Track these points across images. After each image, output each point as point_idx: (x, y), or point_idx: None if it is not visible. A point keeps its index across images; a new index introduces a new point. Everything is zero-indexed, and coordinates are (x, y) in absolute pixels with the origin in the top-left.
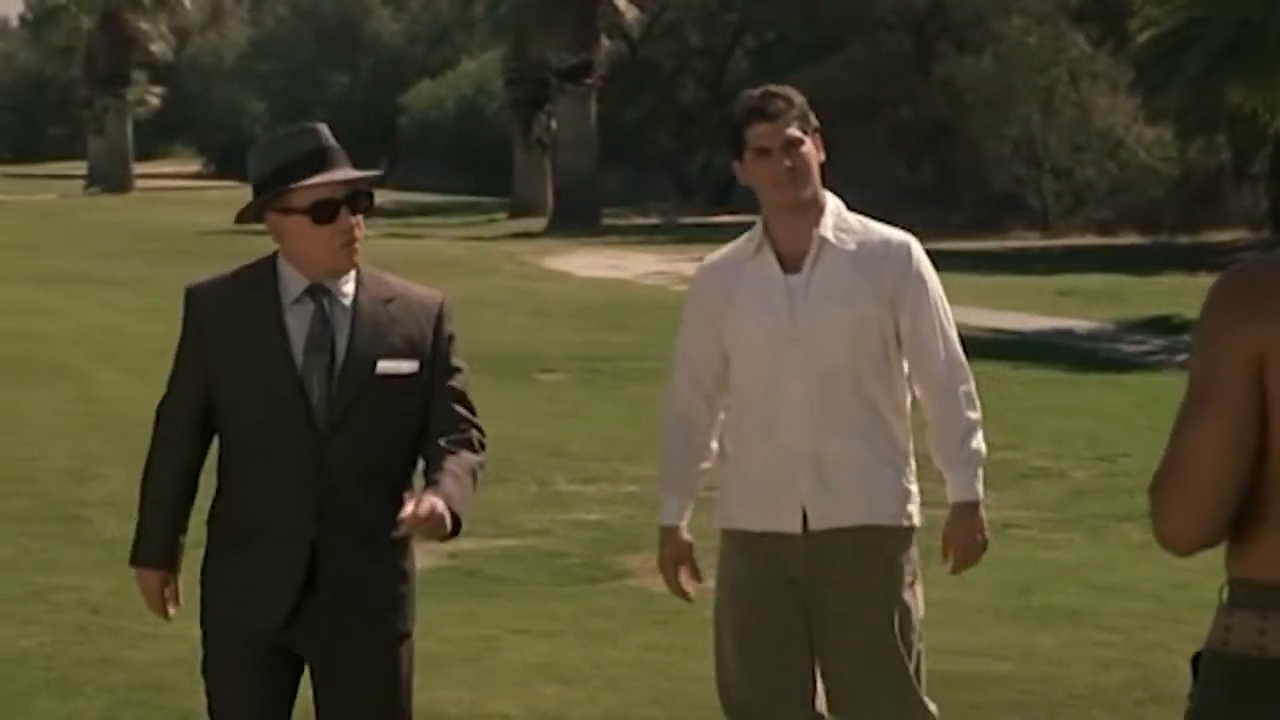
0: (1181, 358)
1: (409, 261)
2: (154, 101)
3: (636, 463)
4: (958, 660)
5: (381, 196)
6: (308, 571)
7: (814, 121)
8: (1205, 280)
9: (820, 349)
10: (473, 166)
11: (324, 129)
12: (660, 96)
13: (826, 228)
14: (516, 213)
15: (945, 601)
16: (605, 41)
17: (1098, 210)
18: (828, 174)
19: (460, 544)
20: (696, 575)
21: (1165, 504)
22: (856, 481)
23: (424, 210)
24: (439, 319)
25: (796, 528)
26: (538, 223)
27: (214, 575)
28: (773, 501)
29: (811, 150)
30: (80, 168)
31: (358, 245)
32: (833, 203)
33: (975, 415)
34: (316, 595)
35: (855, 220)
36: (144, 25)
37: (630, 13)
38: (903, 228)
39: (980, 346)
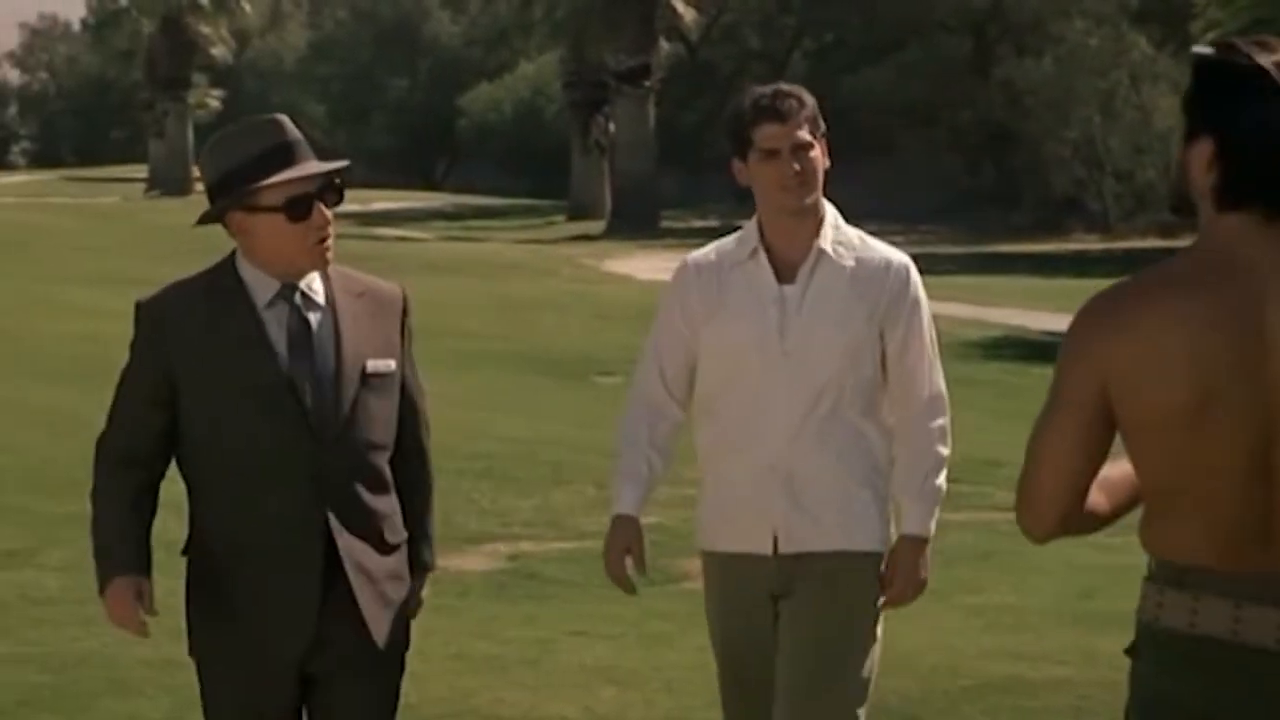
0: None
1: (468, 264)
2: (214, 105)
3: (694, 466)
4: (1019, 664)
5: (439, 200)
6: (323, 587)
7: (823, 126)
8: None
9: (811, 365)
10: (531, 169)
11: (287, 121)
12: (718, 99)
13: (826, 240)
14: (575, 215)
15: (1007, 606)
16: (664, 44)
17: (1159, 213)
18: (880, 175)
19: (520, 546)
20: (642, 565)
21: (1019, 498)
22: (832, 502)
23: (482, 213)
24: (404, 313)
25: (767, 549)
26: (596, 225)
27: (211, 605)
28: (746, 521)
29: (819, 156)
30: (141, 171)
31: (330, 242)
32: (831, 214)
33: (946, 451)
34: (331, 609)
35: (854, 235)
36: (204, 29)
37: (689, 15)
38: (964, 228)
39: (1040, 350)
